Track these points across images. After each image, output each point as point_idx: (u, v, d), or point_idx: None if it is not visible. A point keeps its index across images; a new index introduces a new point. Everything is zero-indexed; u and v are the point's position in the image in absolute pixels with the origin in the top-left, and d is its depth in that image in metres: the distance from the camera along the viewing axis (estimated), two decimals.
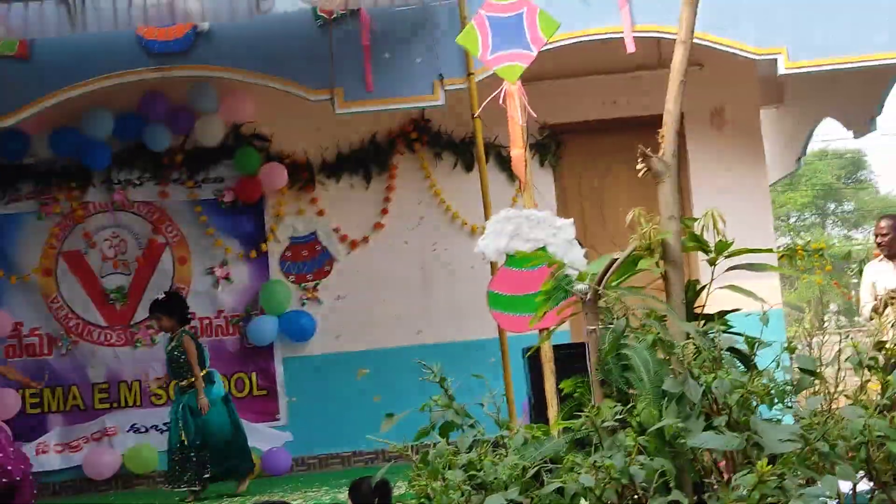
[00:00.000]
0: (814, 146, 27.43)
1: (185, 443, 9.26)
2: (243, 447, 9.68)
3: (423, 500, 3.89)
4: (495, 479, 3.99)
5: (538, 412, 7.43)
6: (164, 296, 9.79)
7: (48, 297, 10.99)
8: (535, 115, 7.34)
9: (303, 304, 11.23)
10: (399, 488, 6.38)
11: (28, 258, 10.96)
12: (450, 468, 4.05)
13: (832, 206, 42.83)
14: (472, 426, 4.41)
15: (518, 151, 7.10)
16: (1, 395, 10.46)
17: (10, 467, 9.01)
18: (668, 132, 4.41)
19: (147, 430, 10.82)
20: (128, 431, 10.95)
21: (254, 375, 11.19)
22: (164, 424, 10.20)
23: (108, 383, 11.03)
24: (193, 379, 9.40)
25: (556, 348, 6.97)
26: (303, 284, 11.27)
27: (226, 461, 9.40)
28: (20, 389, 10.62)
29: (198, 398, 9.33)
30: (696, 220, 4.37)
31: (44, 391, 10.83)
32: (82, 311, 11.03)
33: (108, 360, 11.03)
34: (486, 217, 9.04)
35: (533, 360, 7.70)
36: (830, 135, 50.30)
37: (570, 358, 6.22)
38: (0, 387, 10.48)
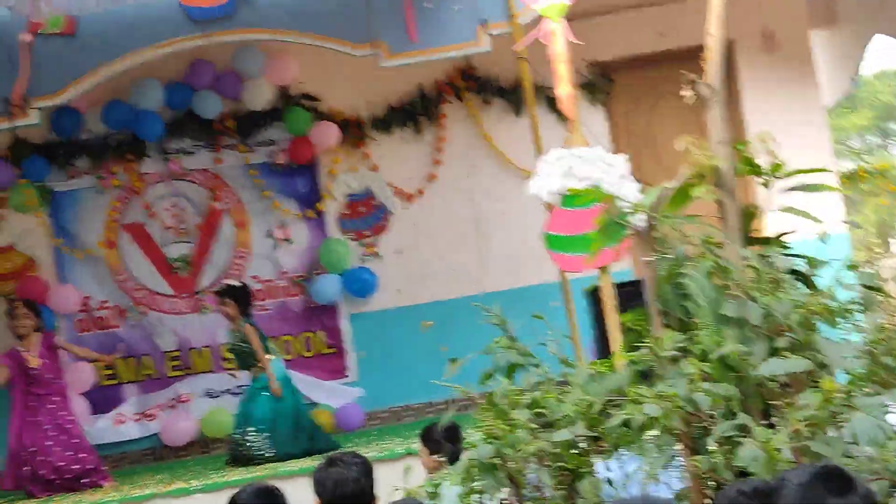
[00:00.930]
0: (871, 68, 26.97)
1: (250, 428, 9.34)
2: (316, 425, 9.81)
3: (490, 440, 3.92)
4: (561, 416, 4.01)
5: (603, 350, 7.45)
6: (237, 283, 9.88)
7: (114, 269, 11.13)
8: (581, 44, 7.25)
9: (363, 261, 11.28)
10: (469, 434, 6.41)
11: (91, 232, 11.09)
12: (515, 408, 4.07)
13: (894, 126, 42.18)
14: (535, 366, 4.42)
15: (565, 90, 7.04)
16: (76, 369, 10.62)
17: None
18: (713, 56, 4.37)
19: (220, 395, 10.95)
20: (202, 397, 11.09)
21: (321, 334, 11.28)
22: (238, 387, 10.33)
23: (179, 351, 11.17)
24: (259, 367, 9.46)
25: (619, 286, 6.97)
26: (361, 240, 11.33)
27: (304, 443, 9.44)
28: (94, 362, 10.78)
29: (270, 384, 9.39)
30: (746, 143, 4.33)
31: (118, 362, 10.99)
32: (148, 281, 11.16)
33: (177, 328, 11.16)
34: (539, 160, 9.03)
35: (595, 299, 7.72)
36: (886, 53, 49.43)
37: (632, 294, 6.20)
38: (75, 360, 10.63)
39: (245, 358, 9.53)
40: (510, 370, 4.40)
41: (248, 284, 10.17)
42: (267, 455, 9.22)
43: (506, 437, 3.89)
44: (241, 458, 9.26)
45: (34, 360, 9.19)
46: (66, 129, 10.89)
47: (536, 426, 3.98)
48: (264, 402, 9.36)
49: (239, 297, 9.61)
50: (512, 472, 3.90)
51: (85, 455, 9.33)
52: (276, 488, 4.68)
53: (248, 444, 9.26)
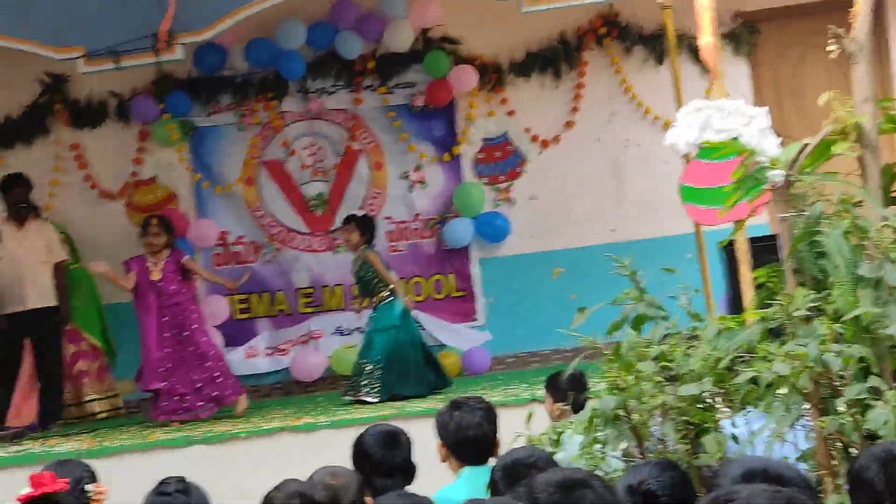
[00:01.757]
0: None
1: (372, 359, 9.44)
2: (437, 361, 9.88)
3: (615, 391, 3.90)
4: (688, 370, 3.97)
5: (734, 305, 7.35)
6: (362, 213, 10.00)
7: (251, 205, 11.32)
8: None
9: (496, 206, 11.29)
10: (594, 385, 6.39)
11: (230, 168, 11.28)
12: (642, 360, 4.04)
13: None
14: (664, 319, 4.37)
15: (708, 40, 6.91)
16: (211, 302, 10.86)
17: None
18: (860, 9, 4.24)
19: (351, 333, 11.08)
20: (332, 334, 11.25)
21: (451, 277, 11.34)
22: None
23: (312, 288, 11.34)
24: (384, 295, 9.53)
25: (754, 240, 6.85)
26: (496, 185, 11.33)
27: (425, 376, 9.53)
28: (228, 296, 11.02)
29: (405, 301, 9.51)
30: (892, 100, 4.20)
31: (251, 297, 11.20)
32: (284, 218, 11.32)
33: (311, 266, 11.33)
34: (679, 110, 8.89)
35: (729, 253, 7.60)
36: None
37: (767, 249, 6.09)
38: (209, 294, 10.87)
39: (368, 285, 9.64)
40: (638, 322, 4.36)
41: (373, 216, 10.26)
42: (379, 389, 9.35)
43: (631, 388, 3.87)
44: (356, 388, 9.43)
45: (156, 273, 9.39)
46: (210, 65, 11.07)
47: (662, 379, 3.95)
48: (385, 336, 9.46)
49: (365, 226, 9.71)
50: (636, 425, 3.88)
51: (218, 370, 9.49)
52: (402, 432, 4.74)
53: (364, 376, 9.40)
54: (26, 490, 3.09)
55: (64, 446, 8.68)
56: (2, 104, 11.02)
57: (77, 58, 9.34)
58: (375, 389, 9.42)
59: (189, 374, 9.33)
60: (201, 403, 9.34)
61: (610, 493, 2.87)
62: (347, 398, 9.56)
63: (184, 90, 11.09)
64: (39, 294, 9.86)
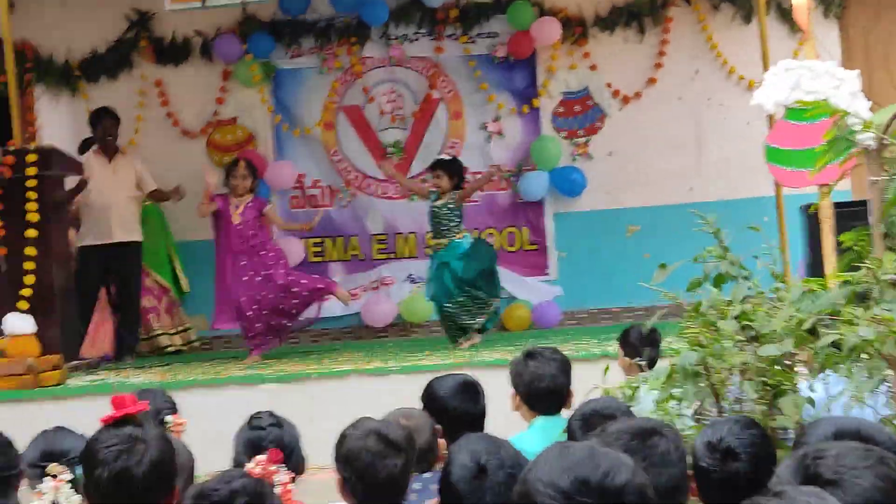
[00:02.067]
0: None
1: (448, 298, 9.40)
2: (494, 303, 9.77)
3: (695, 348, 3.89)
4: (770, 330, 3.95)
5: (813, 270, 7.28)
6: (450, 157, 9.94)
7: (329, 150, 11.37)
8: None
9: (574, 160, 11.25)
10: (670, 342, 6.38)
11: (310, 112, 11.33)
12: (722, 318, 4.02)
13: None
14: (745, 278, 4.34)
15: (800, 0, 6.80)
16: (286, 244, 10.94)
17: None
18: None
19: (422, 281, 11.11)
20: (404, 282, 11.31)
21: (525, 230, 11.33)
22: None
23: (385, 234, 11.39)
24: (452, 237, 9.49)
25: (838, 205, 6.76)
26: (574, 140, 11.28)
27: (483, 312, 9.49)
28: (303, 238, 11.10)
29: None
30: None
31: (325, 241, 11.28)
32: (361, 164, 11.37)
33: (385, 212, 11.37)
34: (765, 70, 8.76)
35: (810, 217, 7.51)
36: None
37: (850, 215, 6.01)
38: (284, 236, 10.95)
39: (439, 226, 9.50)
40: (719, 280, 4.33)
41: (460, 160, 10.19)
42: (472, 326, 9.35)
43: (711, 346, 3.85)
44: (452, 328, 9.40)
45: (236, 216, 9.42)
46: (294, 8, 11.11)
47: (743, 339, 3.93)
48: (460, 263, 9.41)
49: (454, 171, 9.58)
50: (714, 383, 3.87)
51: (306, 289, 9.49)
52: (475, 383, 4.75)
53: (457, 311, 9.36)
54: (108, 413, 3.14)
55: (138, 378, 8.81)
56: (89, 39, 11.14)
57: None
58: (462, 328, 9.39)
59: (275, 309, 9.34)
60: (291, 322, 9.44)
61: (681, 444, 2.88)
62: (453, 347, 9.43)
63: (267, 32, 11.15)
64: (125, 228, 9.98)
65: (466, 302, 9.36)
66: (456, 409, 4.52)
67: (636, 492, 2.05)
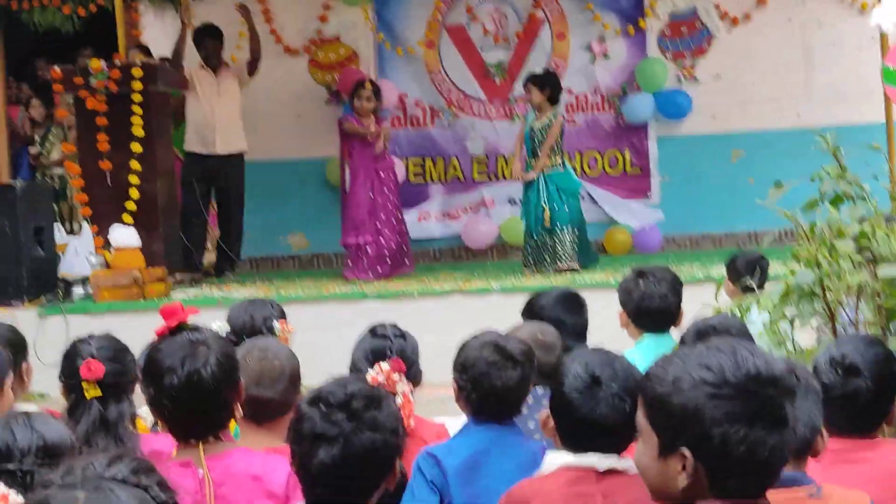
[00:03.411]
0: None
1: (544, 225, 9.24)
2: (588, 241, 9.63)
3: (811, 267, 3.80)
4: (888, 251, 3.85)
5: None
6: (542, 70, 9.77)
7: (431, 69, 11.30)
8: None
9: (679, 82, 11.07)
10: (774, 269, 6.27)
11: (413, 31, 11.26)
12: (839, 238, 3.93)
13: None
14: (864, 199, 4.23)
15: None
16: None
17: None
18: None
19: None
20: (504, 204, 11.25)
21: (627, 153, 11.21)
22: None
23: (486, 156, 11.33)
24: (557, 160, 9.27)
25: None
26: (680, 62, 11.09)
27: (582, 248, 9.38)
28: (405, 158, 11.08)
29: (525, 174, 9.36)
30: None
31: (426, 161, 11.27)
32: (463, 84, 11.30)
33: (486, 134, 11.30)
34: None
35: None
36: None
37: None
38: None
39: (536, 147, 9.31)
40: (837, 200, 4.23)
41: (554, 71, 10.00)
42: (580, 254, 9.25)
43: (828, 266, 3.77)
44: (562, 258, 9.18)
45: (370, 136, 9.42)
46: None
47: (860, 259, 3.84)
48: (575, 200, 9.30)
49: (545, 83, 9.34)
50: (830, 303, 3.79)
51: (405, 242, 9.57)
52: (577, 294, 4.72)
53: (567, 244, 9.21)
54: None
55: (240, 292, 8.90)
56: None
57: None
58: (575, 254, 9.25)
59: (384, 235, 9.36)
60: (384, 266, 9.38)
61: (813, 382, 2.81)
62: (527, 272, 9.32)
63: None
64: (228, 141, 10.02)
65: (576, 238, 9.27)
66: (558, 319, 4.49)
67: (785, 378, 2.00)
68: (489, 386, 3.34)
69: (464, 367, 3.38)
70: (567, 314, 4.51)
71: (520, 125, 9.66)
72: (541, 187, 9.27)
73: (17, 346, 4.06)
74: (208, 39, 10.06)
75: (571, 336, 4.38)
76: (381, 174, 9.45)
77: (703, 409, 1.95)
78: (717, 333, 3.60)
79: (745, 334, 3.69)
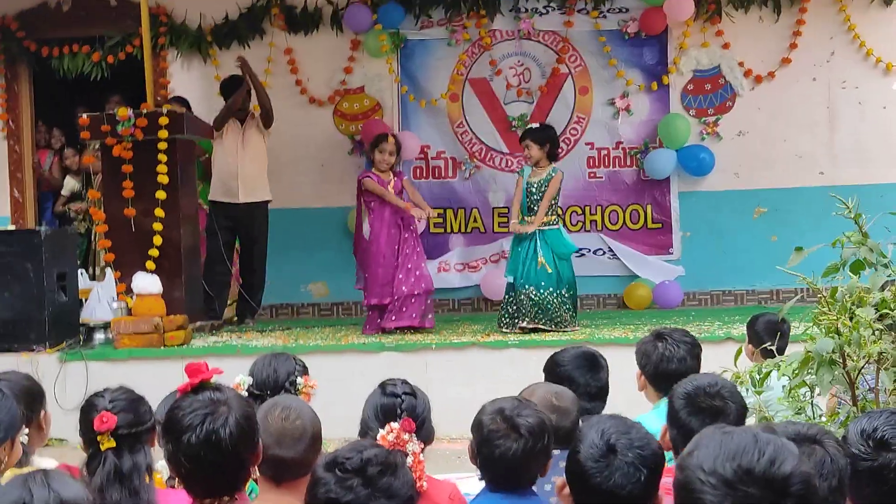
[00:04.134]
0: None
1: (563, 288, 9.07)
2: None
3: (831, 335, 3.79)
4: None
5: None
6: (538, 124, 9.65)
7: (454, 121, 11.36)
8: None
9: (702, 139, 11.08)
10: (795, 329, 6.26)
11: (437, 83, 11.32)
12: (860, 306, 3.92)
13: None
14: (885, 266, 4.22)
15: None
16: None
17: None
18: None
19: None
20: None
21: (649, 208, 11.21)
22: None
23: (507, 208, 11.30)
24: (552, 219, 9.14)
25: None
26: (703, 118, 11.11)
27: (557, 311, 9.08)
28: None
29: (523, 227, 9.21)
30: None
31: (447, 212, 11.30)
32: (485, 136, 11.34)
33: (508, 186, 11.30)
34: None
35: None
36: None
37: None
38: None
39: (532, 203, 9.16)
40: (857, 266, 4.22)
41: (553, 126, 9.86)
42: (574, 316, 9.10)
43: (849, 334, 3.76)
44: (559, 320, 9.00)
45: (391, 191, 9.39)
46: None
47: (881, 327, 3.82)
48: (567, 265, 9.15)
49: (542, 138, 9.21)
50: (850, 371, 3.77)
51: (426, 298, 9.47)
52: (596, 354, 4.71)
53: (563, 308, 9.02)
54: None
55: (260, 341, 8.94)
56: (223, 5, 11.26)
57: None
58: (574, 317, 9.11)
59: (402, 290, 9.29)
60: (401, 320, 9.28)
61: (841, 454, 2.79)
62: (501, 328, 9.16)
63: (397, 2, 11.15)
64: (250, 190, 10.09)
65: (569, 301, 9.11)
66: (575, 379, 4.49)
67: (802, 481, 1.99)
68: (493, 454, 3.35)
69: (475, 430, 3.40)
70: (585, 374, 4.50)
71: (517, 179, 9.53)
72: (536, 244, 9.12)
73: (35, 394, 4.09)
74: (233, 90, 10.16)
75: (590, 396, 4.38)
76: (402, 223, 9.44)
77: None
78: (708, 397, 3.60)
79: (737, 398, 3.67)
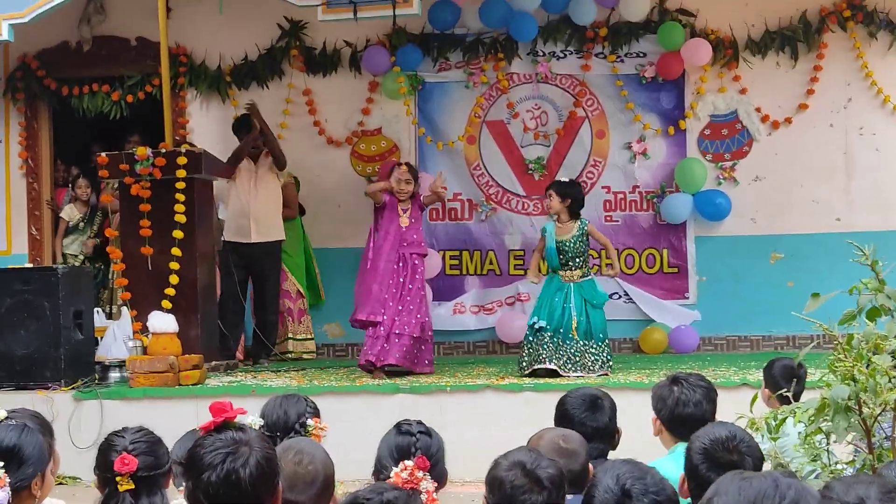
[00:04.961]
0: None
1: (598, 338, 9.06)
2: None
3: (847, 382, 3.78)
4: None
5: None
6: (567, 179, 9.69)
7: (471, 163, 11.39)
8: None
9: (719, 184, 11.09)
10: (811, 374, 6.24)
11: (454, 125, 11.37)
12: (877, 353, 3.91)
13: None
14: None
15: None
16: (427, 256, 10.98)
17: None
18: None
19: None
20: None
21: (665, 252, 11.20)
22: None
23: (523, 251, 11.35)
24: (585, 270, 9.15)
25: None
26: (720, 163, 11.12)
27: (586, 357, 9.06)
28: (442, 251, 11.13)
29: (612, 270, 9.36)
30: None
31: (463, 254, 11.31)
32: (502, 179, 11.37)
33: (524, 229, 11.34)
34: None
35: None
36: None
37: None
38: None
39: (576, 258, 9.12)
40: (874, 313, 4.21)
41: (580, 183, 9.90)
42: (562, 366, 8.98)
43: (864, 382, 3.74)
44: (592, 368, 8.98)
45: (405, 219, 9.42)
46: (444, 22, 11.15)
47: None
48: (600, 313, 9.15)
49: (567, 192, 9.20)
50: (866, 418, 3.75)
51: (426, 338, 9.44)
52: (605, 395, 4.70)
53: (597, 355, 9.01)
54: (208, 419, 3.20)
55: (274, 381, 8.94)
56: (242, 45, 11.36)
57: (317, 5, 9.55)
58: (605, 364, 9.05)
59: (400, 324, 9.27)
60: (398, 356, 9.18)
61: None
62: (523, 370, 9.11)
63: (416, 45, 11.23)
64: (265, 230, 10.15)
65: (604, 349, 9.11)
66: (584, 421, 4.49)
67: None
68: None
69: (492, 485, 3.35)
70: (582, 414, 4.52)
71: (541, 236, 9.48)
72: (571, 293, 9.12)
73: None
74: (245, 131, 10.25)
75: (596, 439, 4.37)
76: (407, 256, 9.41)
77: None
78: (726, 452, 3.58)
79: (755, 451, 3.65)
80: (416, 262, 9.44)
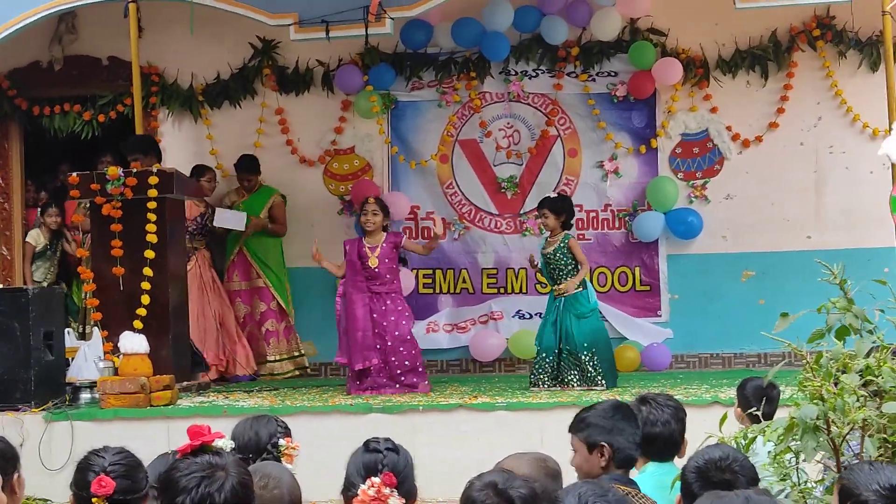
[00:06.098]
0: None
1: (561, 347, 9.22)
2: (612, 361, 9.53)
3: (815, 401, 3.80)
4: (893, 386, 3.84)
5: None
6: (556, 194, 9.81)
7: (444, 182, 11.40)
8: None
9: (690, 202, 11.14)
10: (783, 392, 6.27)
11: (427, 144, 11.38)
12: (845, 372, 3.93)
13: None
14: (870, 332, 4.23)
15: None
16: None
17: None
18: None
19: (531, 317, 11.05)
20: (513, 317, 11.27)
21: (637, 270, 11.23)
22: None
23: (496, 269, 11.37)
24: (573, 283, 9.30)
25: None
26: (691, 182, 11.17)
27: (600, 366, 9.23)
28: (415, 270, 11.14)
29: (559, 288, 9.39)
30: None
31: (436, 272, 11.32)
32: (475, 198, 11.39)
33: (497, 247, 11.36)
34: (891, 120, 8.62)
35: None
36: None
37: None
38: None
39: (555, 272, 9.38)
40: (843, 332, 4.23)
41: (567, 196, 10.06)
42: (604, 374, 9.16)
43: (832, 401, 3.76)
44: (584, 380, 9.16)
45: (373, 259, 9.44)
46: (416, 41, 11.16)
47: (865, 394, 3.83)
48: (587, 322, 9.26)
49: (560, 209, 9.44)
50: (834, 437, 3.77)
51: (412, 358, 9.46)
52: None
53: (581, 365, 9.17)
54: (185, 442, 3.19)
55: (247, 402, 8.91)
56: (214, 64, 11.35)
57: (289, 24, 9.59)
58: (601, 375, 9.18)
59: (387, 357, 9.32)
60: (394, 384, 9.30)
61: None
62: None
63: (388, 64, 11.23)
64: None
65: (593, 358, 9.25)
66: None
67: None
68: None
69: None
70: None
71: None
72: (560, 308, 9.33)
73: (8, 457, 4.03)
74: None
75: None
76: (375, 291, 9.45)
77: None
78: (719, 471, 3.59)
79: (749, 471, 3.67)
80: (393, 295, 9.50)
